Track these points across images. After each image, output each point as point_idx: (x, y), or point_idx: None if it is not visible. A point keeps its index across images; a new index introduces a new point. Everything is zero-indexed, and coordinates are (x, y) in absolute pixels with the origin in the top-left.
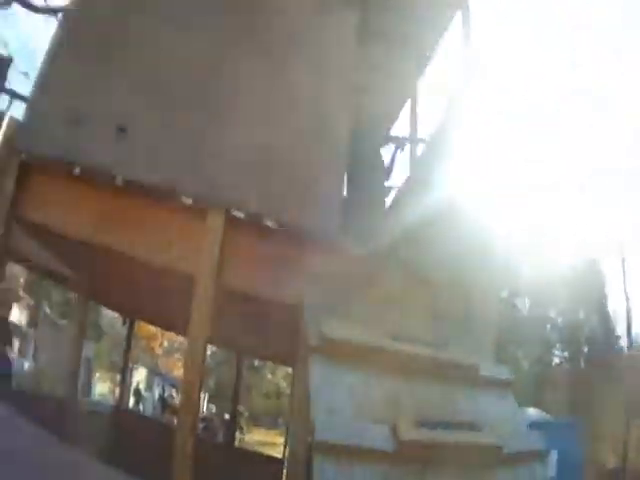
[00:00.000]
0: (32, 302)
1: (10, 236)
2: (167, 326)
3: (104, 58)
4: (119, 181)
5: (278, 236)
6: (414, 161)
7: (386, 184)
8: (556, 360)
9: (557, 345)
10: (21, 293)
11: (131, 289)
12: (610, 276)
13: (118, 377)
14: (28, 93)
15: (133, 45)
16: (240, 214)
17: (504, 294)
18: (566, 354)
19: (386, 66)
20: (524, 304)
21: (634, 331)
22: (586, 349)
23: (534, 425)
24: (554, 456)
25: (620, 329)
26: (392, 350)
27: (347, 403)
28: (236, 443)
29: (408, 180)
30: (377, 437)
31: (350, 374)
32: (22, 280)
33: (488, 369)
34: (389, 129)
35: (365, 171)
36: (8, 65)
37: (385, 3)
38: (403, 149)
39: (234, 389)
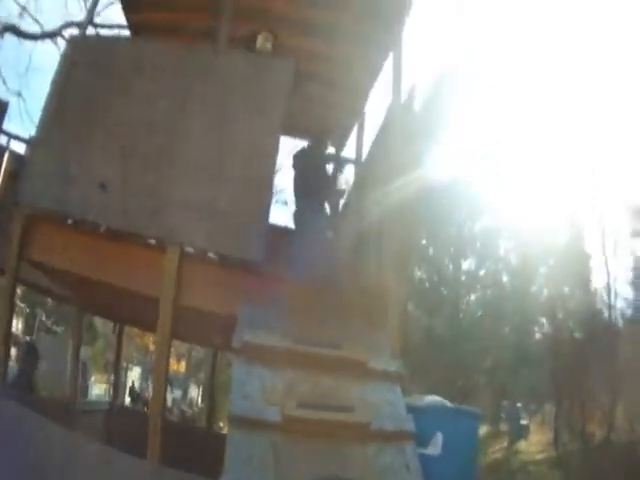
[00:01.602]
0: (27, 310)
1: (18, 271)
2: (148, 329)
3: (86, 123)
4: (102, 229)
5: (219, 265)
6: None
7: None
8: (537, 336)
9: (539, 320)
10: (17, 302)
11: (117, 302)
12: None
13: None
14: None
15: (108, 112)
16: (190, 249)
17: (485, 272)
18: (548, 330)
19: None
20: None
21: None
22: (571, 324)
23: (423, 410)
24: (439, 438)
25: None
26: (294, 351)
27: (256, 391)
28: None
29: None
30: (271, 413)
31: (260, 369)
32: (18, 290)
33: (379, 363)
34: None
35: (312, 185)
36: (5, 109)
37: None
38: (343, 171)
39: (209, 382)
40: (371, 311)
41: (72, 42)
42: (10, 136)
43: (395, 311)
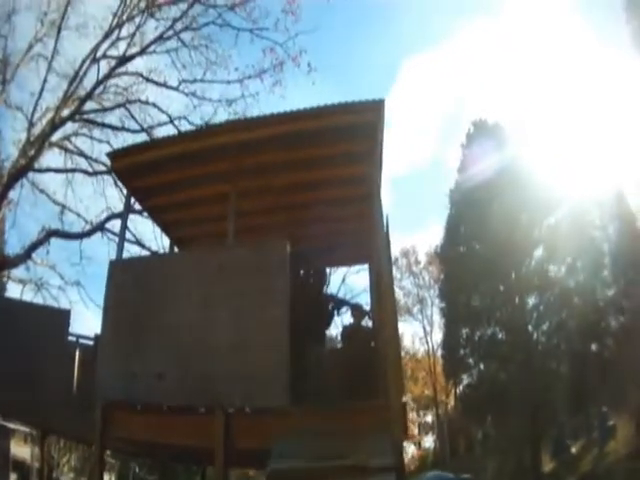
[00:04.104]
0: (118, 463)
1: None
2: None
3: (138, 329)
4: (164, 408)
5: (254, 416)
6: None
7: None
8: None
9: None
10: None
11: (189, 453)
12: None
13: None
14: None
15: (154, 318)
16: (232, 409)
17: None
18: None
19: None
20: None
21: None
22: None
23: None
24: None
25: None
26: (309, 469)
27: None
28: None
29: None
30: None
31: None
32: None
33: (379, 461)
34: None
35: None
36: (69, 315)
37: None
38: (339, 313)
39: None
40: (377, 419)
41: (114, 266)
42: (77, 336)
43: (396, 415)
